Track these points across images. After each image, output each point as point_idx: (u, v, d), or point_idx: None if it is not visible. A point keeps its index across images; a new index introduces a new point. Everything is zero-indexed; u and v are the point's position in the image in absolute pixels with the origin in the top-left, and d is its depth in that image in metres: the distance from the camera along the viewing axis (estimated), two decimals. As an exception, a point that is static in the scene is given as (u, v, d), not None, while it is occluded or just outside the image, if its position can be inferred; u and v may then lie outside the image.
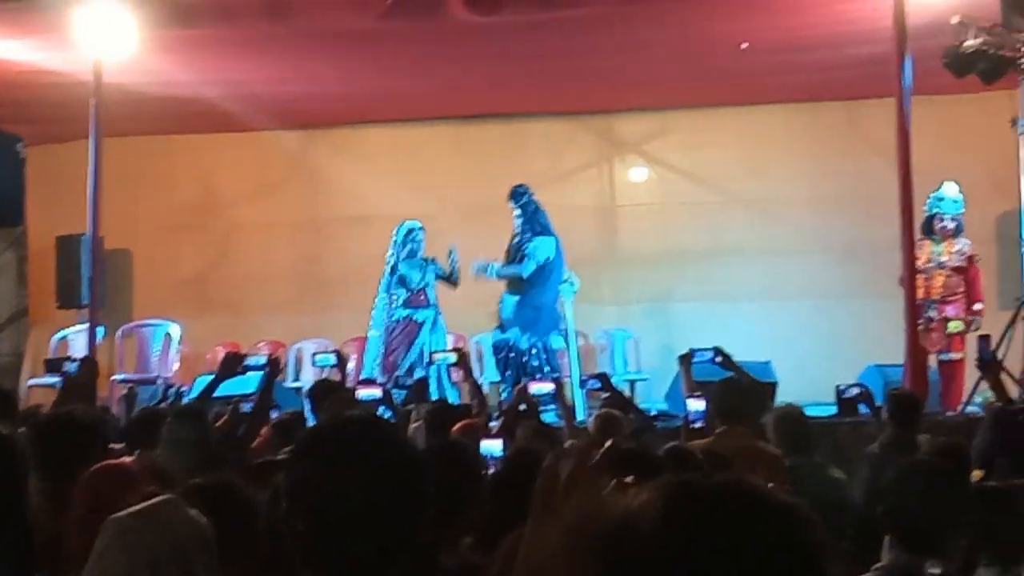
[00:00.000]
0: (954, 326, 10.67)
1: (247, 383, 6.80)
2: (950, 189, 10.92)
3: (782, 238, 13.18)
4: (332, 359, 8.32)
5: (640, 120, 13.88)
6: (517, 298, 10.87)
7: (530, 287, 10.85)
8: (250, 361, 6.41)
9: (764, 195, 13.33)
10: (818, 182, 13.24)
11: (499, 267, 10.91)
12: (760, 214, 13.28)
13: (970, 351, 10.20)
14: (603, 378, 7.84)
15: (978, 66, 9.99)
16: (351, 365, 10.60)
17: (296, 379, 12.66)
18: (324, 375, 10.34)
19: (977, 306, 10.76)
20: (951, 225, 10.86)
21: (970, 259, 10.84)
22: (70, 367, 7.81)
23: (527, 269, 10.82)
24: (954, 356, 10.64)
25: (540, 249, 10.86)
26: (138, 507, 2.32)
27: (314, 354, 9.32)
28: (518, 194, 11.02)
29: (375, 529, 2.03)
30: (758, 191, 13.35)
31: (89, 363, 8.10)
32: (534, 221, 10.93)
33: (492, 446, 5.37)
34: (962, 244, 10.88)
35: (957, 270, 10.81)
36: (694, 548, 1.25)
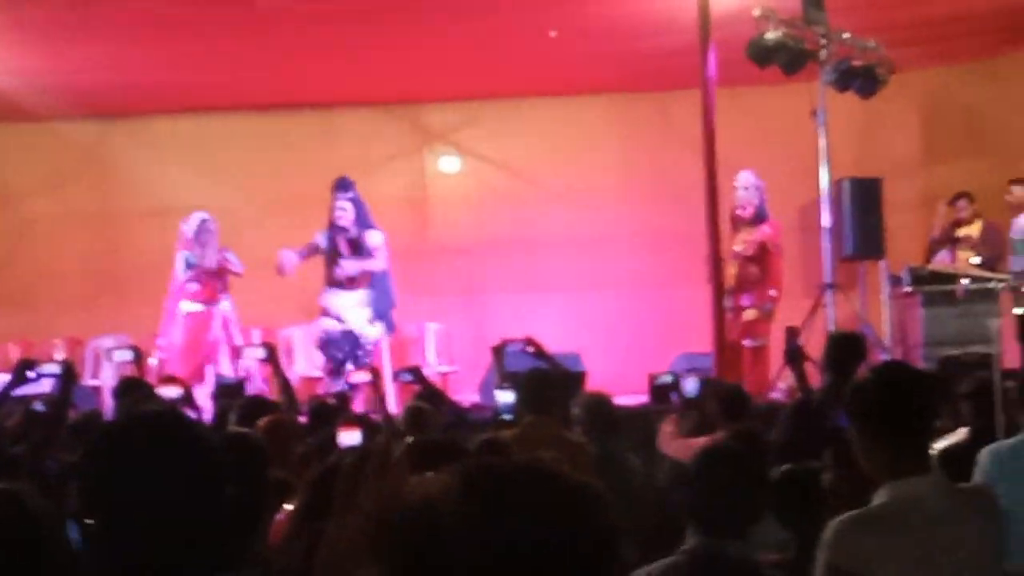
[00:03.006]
0: (748, 314, 10.90)
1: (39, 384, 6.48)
2: (745, 178, 11.14)
3: (593, 228, 13.30)
4: (130, 354, 8.00)
5: (450, 110, 13.85)
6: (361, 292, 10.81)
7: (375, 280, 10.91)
8: (43, 369, 6.10)
9: (574, 186, 13.43)
10: (628, 173, 13.42)
11: (352, 263, 10.74)
12: (571, 205, 13.37)
13: (776, 338, 10.44)
14: (415, 371, 7.82)
15: (779, 57, 10.27)
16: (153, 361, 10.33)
17: (94, 376, 12.17)
18: (123, 372, 9.97)
19: (771, 292, 11.01)
20: (746, 213, 11.07)
21: (763, 246, 11.06)
22: None
23: (380, 264, 10.84)
24: (756, 343, 10.86)
25: (379, 240, 10.85)
26: None
27: (110, 350, 8.95)
28: (349, 185, 10.84)
29: (175, 527, 1.97)
30: (569, 182, 13.45)
31: None
32: (363, 213, 10.81)
33: (351, 436, 5.17)
34: (757, 233, 11.09)
35: (751, 259, 11.02)
36: (492, 527, 1.32)
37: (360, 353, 10.68)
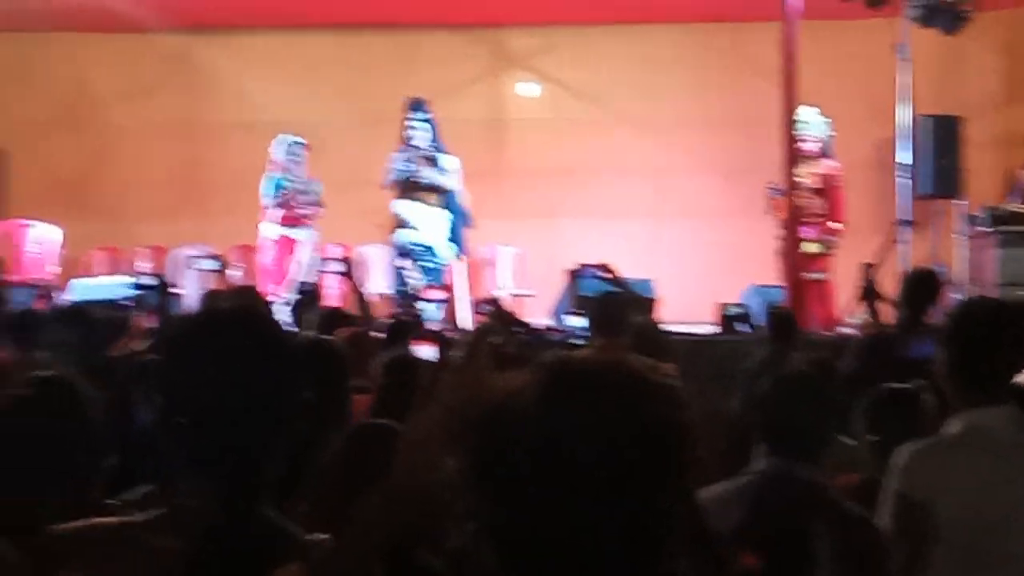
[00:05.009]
0: (808, 247, 10.77)
1: (114, 289, 6.76)
2: (809, 113, 10.98)
3: (667, 157, 13.25)
4: (214, 264, 8.21)
5: (531, 35, 13.80)
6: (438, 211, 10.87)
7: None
8: (142, 280, 6.41)
9: (651, 114, 13.36)
10: (704, 103, 13.30)
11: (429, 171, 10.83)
12: (646, 133, 13.32)
13: (841, 272, 10.46)
14: (495, 303, 7.94)
15: (865, -10, 10.16)
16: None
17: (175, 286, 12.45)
18: (207, 282, 10.22)
19: (834, 226, 10.92)
20: (813, 148, 10.95)
21: (828, 180, 10.98)
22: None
23: (454, 183, 10.90)
24: (816, 276, 10.78)
25: (454, 164, 10.86)
26: None
27: (193, 259, 9.19)
28: (420, 105, 10.88)
29: (254, 422, 1.95)
30: (645, 110, 13.38)
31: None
32: (437, 136, 10.88)
33: (425, 351, 5.38)
34: (823, 167, 11.01)
35: (817, 192, 10.92)
36: (571, 424, 1.29)
37: (435, 266, 10.79)
